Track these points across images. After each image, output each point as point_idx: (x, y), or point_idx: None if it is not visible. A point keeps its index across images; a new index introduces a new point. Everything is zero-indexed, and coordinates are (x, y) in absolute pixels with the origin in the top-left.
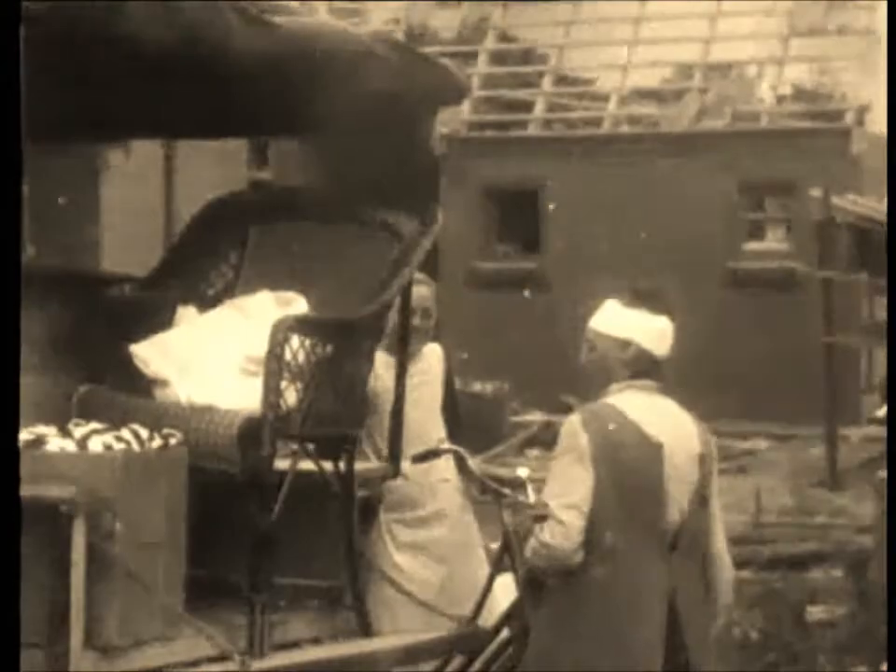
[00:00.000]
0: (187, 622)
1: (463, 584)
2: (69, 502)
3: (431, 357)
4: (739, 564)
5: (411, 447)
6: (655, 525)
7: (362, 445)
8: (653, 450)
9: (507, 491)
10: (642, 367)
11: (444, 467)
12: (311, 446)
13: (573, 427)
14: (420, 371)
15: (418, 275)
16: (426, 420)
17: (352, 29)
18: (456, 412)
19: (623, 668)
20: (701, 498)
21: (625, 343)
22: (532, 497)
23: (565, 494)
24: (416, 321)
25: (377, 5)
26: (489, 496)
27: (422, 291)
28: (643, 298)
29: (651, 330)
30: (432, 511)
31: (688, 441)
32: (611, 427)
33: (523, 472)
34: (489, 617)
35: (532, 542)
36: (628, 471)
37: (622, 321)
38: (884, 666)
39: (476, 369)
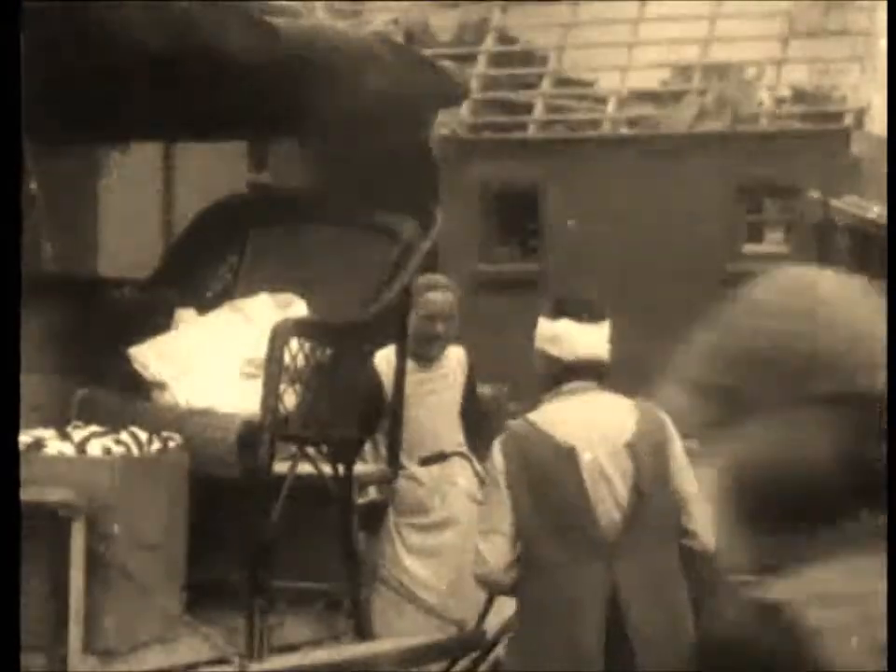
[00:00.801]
0: (186, 624)
1: (472, 589)
2: (68, 506)
3: (452, 362)
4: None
5: (426, 451)
6: (584, 528)
7: (377, 448)
8: (567, 456)
9: None
10: (557, 372)
11: (454, 470)
12: (310, 449)
13: (492, 451)
14: (440, 375)
15: (440, 280)
16: (442, 424)
17: (351, 31)
18: (478, 416)
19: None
20: (650, 484)
21: (540, 354)
22: None
23: (486, 519)
24: (439, 327)
25: (376, 6)
26: None
27: (445, 297)
28: (563, 307)
29: (550, 337)
30: (441, 518)
31: (614, 436)
32: (524, 443)
33: None
34: (493, 620)
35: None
36: (544, 484)
37: (537, 334)
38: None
39: (475, 370)
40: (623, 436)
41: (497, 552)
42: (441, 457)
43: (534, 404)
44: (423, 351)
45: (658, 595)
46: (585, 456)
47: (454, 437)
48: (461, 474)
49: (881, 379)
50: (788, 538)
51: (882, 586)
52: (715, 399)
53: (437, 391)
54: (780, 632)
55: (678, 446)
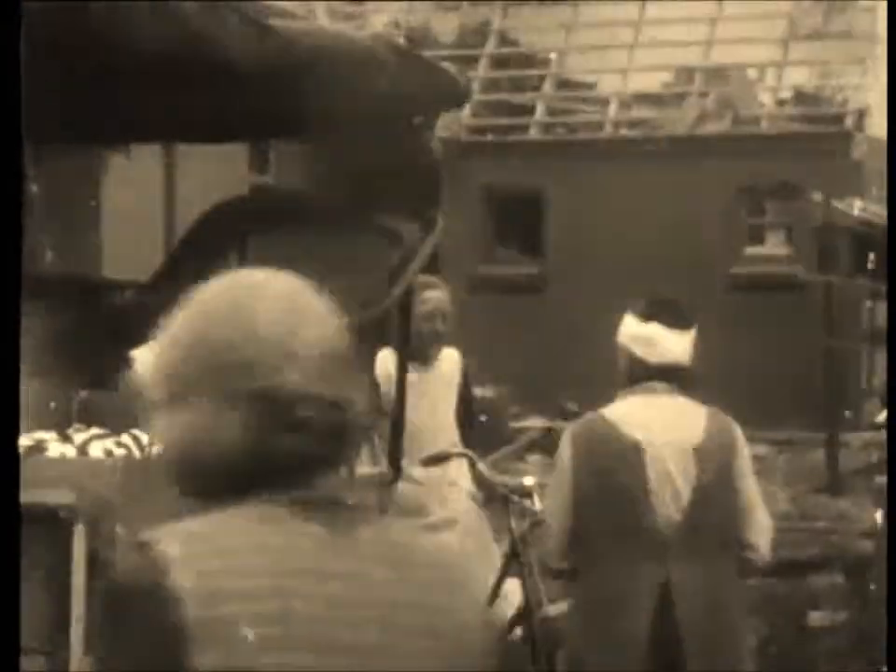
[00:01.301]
0: None
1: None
2: (69, 508)
3: (448, 362)
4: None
5: (424, 451)
6: (642, 524)
7: (374, 450)
8: (632, 452)
9: (515, 497)
10: (640, 373)
11: (454, 471)
12: None
13: (562, 441)
14: (436, 376)
15: (432, 279)
16: (439, 424)
17: (352, 33)
18: (471, 416)
19: (609, 663)
20: (713, 489)
21: (623, 352)
22: (538, 505)
23: (548, 505)
24: (436, 326)
25: (377, 8)
26: (497, 501)
27: (441, 295)
28: (655, 309)
29: (638, 338)
30: (442, 519)
31: (682, 438)
32: (593, 436)
33: (528, 481)
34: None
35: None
36: (608, 477)
37: (622, 328)
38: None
39: (477, 373)
40: (692, 439)
41: (552, 538)
42: (442, 458)
43: (596, 402)
44: (420, 351)
45: (711, 601)
46: (650, 454)
47: (450, 437)
48: (461, 475)
49: (289, 378)
50: (210, 501)
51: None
52: (165, 383)
53: (433, 392)
54: (147, 560)
55: (745, 456)
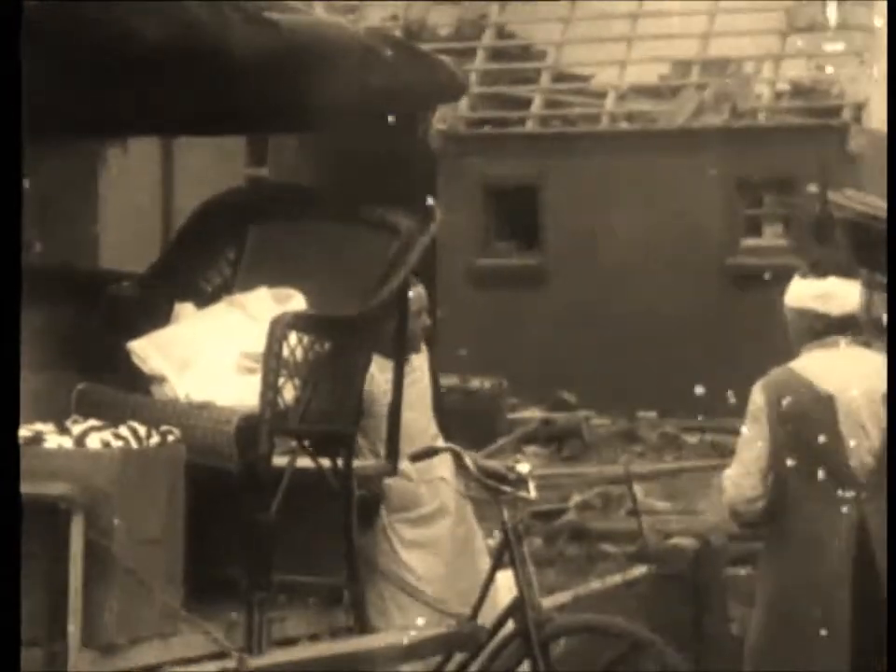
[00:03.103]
0: (185, 619)
1: (467, 578)
2: (67, 499)
3: (418, 358)
4: (739, 561)
5: (407, 446)
6: (836, 470)
7: (370, 442)
8: (825, 402)
9: (506, 488)
10: (821, 327)
11: (440, 465)
12: (309, 443)
13: (754, 393)
14: (412, 369)
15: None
16: (419, 419)
17: (350, 26)
18: (441, 410)
19: (811, 604)
20: None
21: (801, 311)
22: (534, 493)
23: (744, 451)
24: (422, 322)
25: (375, 2)
26: (488, 493)
27: (419, 291)
28: (815, 267)
29: (817, 294)
30: (434, 509)
31: (870, 387)
32: (787, 388)
33: (524, 468)
34: (490, 614)
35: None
36: (801, 426)
37: (793, 292)
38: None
39: (474, 365)
40: (877, 386)
41: (745, 484)
42: (430, 453)
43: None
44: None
45: None
46: (842, 402)
47: (431, 430)
48: (446, 469)
49: None
50: None
51: None
52: None
53: (412, 386)
54: None
55: None
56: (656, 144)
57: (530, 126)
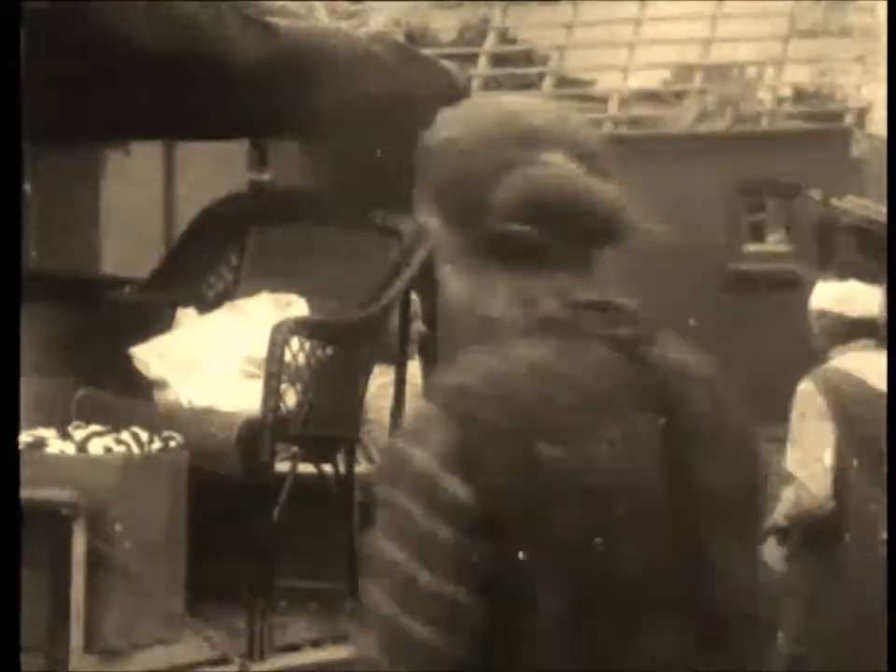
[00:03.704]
0: (187, 624)
1: None
2: (69, 505)
3: (412, 365)
4: None
5: None
6: None
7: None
8: (880, 400)
9: None
10: (840, 330)
11: None
12: (311, 448)
13: (808, 391)
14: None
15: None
16: None
17: (352, 31)
18: None
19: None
20: None
21: (821, 314)
22: None
23: (809, 450)
24: (418, 329)
25: (377, 6)
26: None
27: (416, 298)
28: (850, 269)
29: (837, 297)
30: None
31: None
32: (840, 386)
33: None
34: None
35: (784, 507)
36: (864, 424)
37: (820, 297)
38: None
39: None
40: None
41: (816, 486)
42: None
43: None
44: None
45: None
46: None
47: None
48: None
49: None
50: None
51: None
52: None
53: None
54: None
55: None
56: (658, 149)
57: None
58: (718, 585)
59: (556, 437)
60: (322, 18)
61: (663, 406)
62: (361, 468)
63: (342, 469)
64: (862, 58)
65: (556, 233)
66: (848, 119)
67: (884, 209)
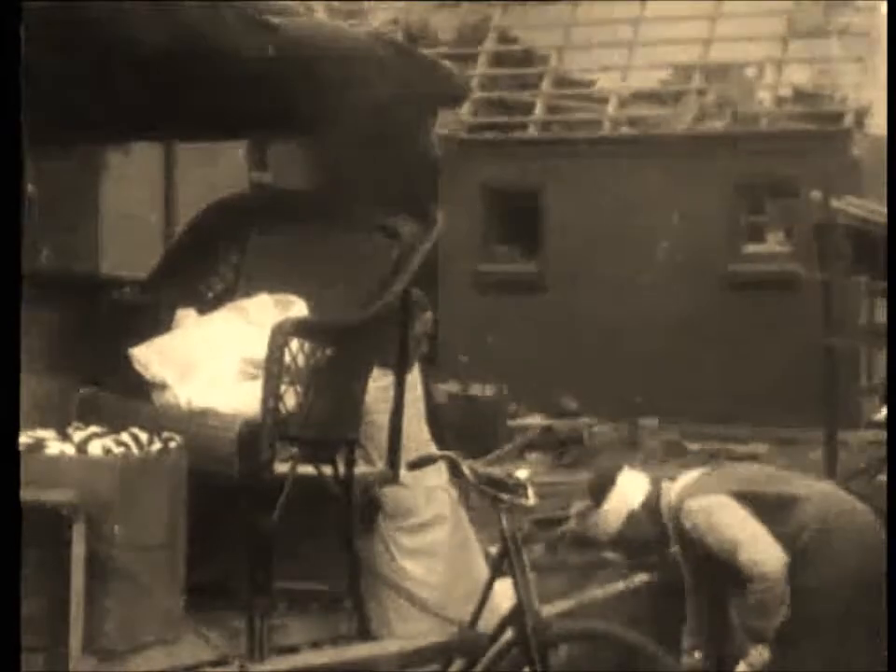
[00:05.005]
0: (186, 625)
1: (465, 584)
2: (69, 506)
3: (413, 367)
4: None
5: (409, 454)
6: None
7: (366, 450)
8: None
9: (504, 496)
10: None
11: (437, 473)
12: (310, 449)
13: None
14: (407, 380)
15: (424, 298)
16: (413, 428)
17: (351, 31)
18: (435, 419)
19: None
20: None
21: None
22: (532, 500)
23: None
24: (421, 346)
25: (376, 6)
26: (487, 500)
27: (429, 317)
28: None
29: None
30: (431, 516)
31: None
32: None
33: (522, 474)
34: (490, 620)
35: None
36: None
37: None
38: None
39: (475, 372)
40: None
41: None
42: (427, 461)
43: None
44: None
45: None
46: None
47: (424, 438)
48: (443, 477)
49: None
50: None
51: None
52: None
53: (407, 398)
54: None
55: None
56: (658, 149)
57: (532, 131)
58: None
59: None
60: (322, 17)
61: None
62: (360, 469)
63: (341, 470)
64: (862, 58)
65: None
66: (848, 120)
67: (882, 209)
